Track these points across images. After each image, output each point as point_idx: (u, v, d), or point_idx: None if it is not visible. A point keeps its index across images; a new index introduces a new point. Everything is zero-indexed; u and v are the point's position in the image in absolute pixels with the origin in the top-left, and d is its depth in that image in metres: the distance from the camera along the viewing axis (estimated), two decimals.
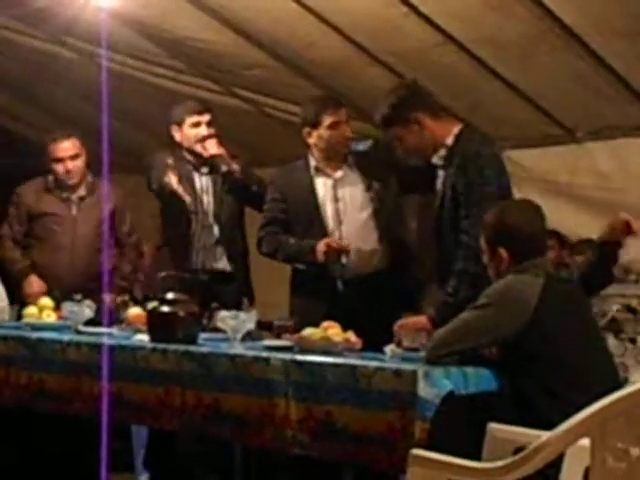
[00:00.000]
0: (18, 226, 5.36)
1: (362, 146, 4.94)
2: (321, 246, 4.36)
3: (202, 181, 4.94)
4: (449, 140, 3.98)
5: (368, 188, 4.56)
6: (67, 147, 5.27)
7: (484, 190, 3.82)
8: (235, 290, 4.77)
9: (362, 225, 4.52)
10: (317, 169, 4.61)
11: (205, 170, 4.92)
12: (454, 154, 3.94)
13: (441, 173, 4.05)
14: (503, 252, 3.36)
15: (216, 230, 4.90)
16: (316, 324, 3.69)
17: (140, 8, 4.96)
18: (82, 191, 5.33)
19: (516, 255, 3.34)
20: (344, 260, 4.39)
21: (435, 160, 4.06)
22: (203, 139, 4.85)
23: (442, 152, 4.01)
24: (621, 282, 4.94)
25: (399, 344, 3.53)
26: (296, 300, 4.61)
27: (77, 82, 6.02)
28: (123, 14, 5.02)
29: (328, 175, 4.60)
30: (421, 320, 3.84)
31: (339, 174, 4.59)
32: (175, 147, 4.97)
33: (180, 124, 4.90)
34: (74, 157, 5.28)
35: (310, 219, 4.54)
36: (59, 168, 5.27)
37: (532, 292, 3.20)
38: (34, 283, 5.22)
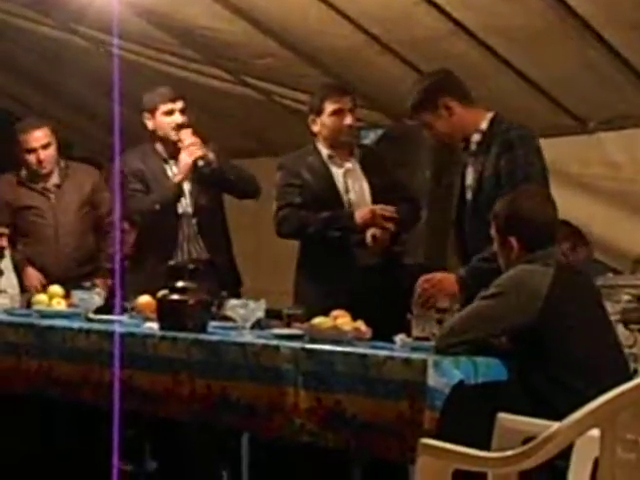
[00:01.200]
0: (1, 219, 5.32)
1: (370, 138, 4.93)
2: (366, 211, 4.42)
3: (174, 171, 4.87)
4: (483, 124, 3.93)
5: (369, 184, 4.58)
6: (39, 137, 5.24)
7: (529, 171, 3.77)
8: (220, 281, 4.71)
9: None
10: (330, 157, 4.61)
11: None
12: (493, 136, 3.89)
13: (471, 160, 4.00)
14: (513, 241, 3.35)
15: (194, 222, 4.87)
16: (328, 310, 3.68)
17: None
18: (55, 179, 5.32)
19: (527, 244, 3.33)
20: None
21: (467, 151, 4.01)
22: (178, 127, 4.79)
23: (476, 137, 3.95)
24: (631, 273, 4.93)
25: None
26: (307, 286, 4.59)
27: (88, 70, 6.02)
28: (134, 2, 5.02)
29: (339, 165, 4.61)
30: (449, 278, 3.81)
31: (349, 165, 4.61)
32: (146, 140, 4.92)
33: (153, 112, 4.84)
34: (46, 146, 5.25)
35: (329, 206, 4.55)
36: (31, 158, 5.24)
37: (542, 282, 3.19)
38: (31, 275, 5.23)
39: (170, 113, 4.81)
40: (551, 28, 4.36)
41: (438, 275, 3.86)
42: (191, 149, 4.72)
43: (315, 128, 4.60)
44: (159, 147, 4.89)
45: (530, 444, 2.43)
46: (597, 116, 5.16)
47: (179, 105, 4.83)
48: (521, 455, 2.43)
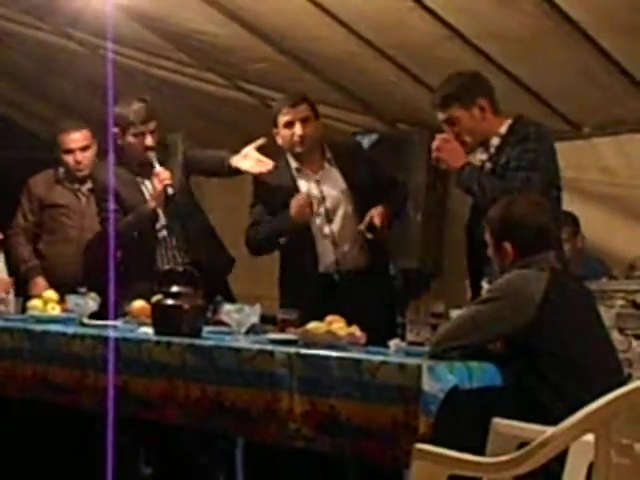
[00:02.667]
0: (31, 216, 5.36)
1: (364, 143, 4.93)
2: (293, 202, 4.41)
3: (148, 186, 4.81)
4: (503, 129, 3.92)
5: (350, 185, 4.56)
6: (77, 138, 5.25)
7: (535, 162, 3.76)
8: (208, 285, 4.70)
9: (349, 223, 4.53)
10: (298, 170, 4.60)
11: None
12: (510, 137, 3.89)
13: (488, 166, 3.98)
14: (508, 246, 3.35)
15: (177, 230, 4.81)
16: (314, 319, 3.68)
17: (146, 1, 4.97)
18: (90, 184, 5.33)
19: (521, 250, 3.33)
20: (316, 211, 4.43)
21: (484, 154, 4.00)
22: (146, 149, 4.71)
23: (495, 141, 3.93)
24: (626, 278, 4.94)
25: (404, 338, 3.53)
26: (287, 299, 4.58)
27: (83, 75, 6.02)
28: (129, 7, 5.02)
29: (308, 176, 4.58)
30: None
31: (319, 174, 4.58)
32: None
33: (123, 131, 4.75)
34: (84, 149, 5.26)
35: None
36: (69, 159, 5.26)
37: (537, 287, 3.19)
38: (40, 285, 5.21)
39: (141, 135, 4.72)
40: (545, 33, 4.37)
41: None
42: (161, 176, 4.67)
43: (279, 142, 4.58)
44: (130, 163, 4.83)
45: (525, 449, 2.43)
46: (591, 121, 5.18)
47: (151, 126, 4.73)
48: (516, 460, 2.43)
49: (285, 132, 4.53)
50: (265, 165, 4.52)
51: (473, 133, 3.95)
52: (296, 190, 4.53)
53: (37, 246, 5.34)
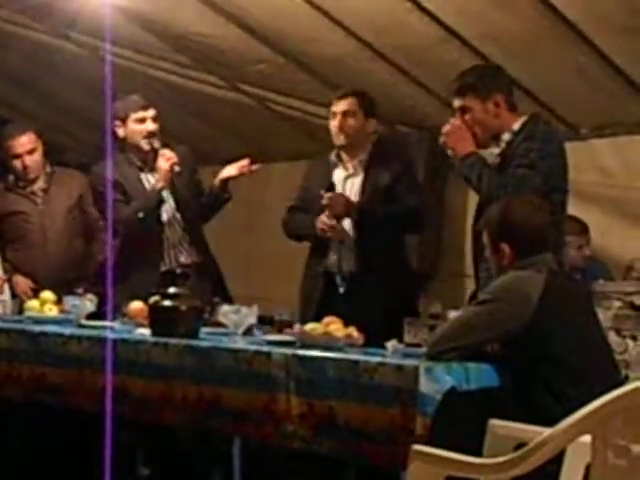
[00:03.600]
0: None
1: None
2: (319, 223, 4.51)
3: (150, 180, 4.84)
4: (516, 125, 3.90)
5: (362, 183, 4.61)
6: (24, 142, 5.24)
7: (535, 162, 3.74)
8: (207, 284, 4.72)
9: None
10: (334, 163, 4.70)
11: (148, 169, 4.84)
12: (521, 135, 3.87)
13: (498, 160, 3.96)
14: (506, 248, 3.35)
15: (178, 227, 4.86)
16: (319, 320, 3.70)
17: (144, 2, 4.96)
18: (42, 183, 5.32)
19: (519, 251, 3.33)
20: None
21: (496, 149, 3.98)
22: (149, 135, 4.76)
23: (507, 136, 3.91)
24: (623, 279, 4.94)
25: (401, 339, 3.52)
26: (303, 295, 4.69)
27: (80, 76, 6.01)
28: (127, 8, 5.02)
29: (341, 169, 4.69)
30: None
31: (351, 171, 4.64)
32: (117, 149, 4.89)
33: (124, 120, 4.79)
34: (31, 151, 5.25)
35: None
36: (17, 164, 5.24)
37: (534, 288, 3.19)
38: (20, 283, 5.21)
39: (142, 121, 4.77)
40: (542, 35, 4.37)
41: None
42: (166, 155, 4.70)
43: None
44: (132, 156, 4.86)
45: (522, 450, 2.43)
46: (589, 123, 5.18)
47: (151, 113, 4.78)
48: (513, 461, 2.43)
49: (330, 122, 4.63)
50: (244, 166, 4.72)
51: (484, 126, 3.93)
52: (329, 180, 4.62)
53: (5, 256, 5.30)
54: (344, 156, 4.67)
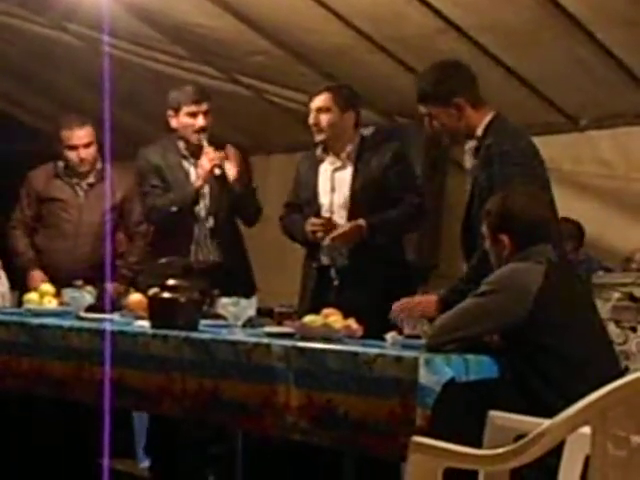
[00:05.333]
0: (29, 210, 5.35)
1: (365, 132, 4.92)
2: (308, 226, 4.51)
3: (193, 171, 4.84)
4: (479, 131, 3.82)
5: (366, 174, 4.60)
6: (82, 135, 5.24)
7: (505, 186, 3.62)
8: (233, 281, 4.71)
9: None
10: (320, 158, 4.68)
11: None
12: (481, 147, 3.79)
13: (472, 163, 3.94)
14: (505, 239, 3.35)
15: (210, 223, 4.86)
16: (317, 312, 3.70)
17: None
18: (91, 178, 5.32)
19: (518, 242, 3.33)
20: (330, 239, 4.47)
21: (467, 146, 3.92)
22: (199, 130, 4.77)
23: (472, 144, 3.86)
24: (623, 271, 4.95)
25: (401, 331, 3.52)
26: (301, 291, 4.71)
27: (78, 68, 6.02)
28: (125, 0, 5.01)
29: (327, 164, 4.65)
30: (430, 300, 3.72)
31: (337, 165, 4.63)
32: (167, 135, 4.91)
33: (177, 110, 4.80)
34: (87, 145, 5.25)
35: (310, 207, 4.64)
36: (72, 155, 5.24)
37: (534, 279, 3.19)
38: (37, 277, 5.20)
39: (194, 115, 4.78)
40: (542, 26, 4.37)
41: (416, 299, 3.80)
42: (210, 155, 4.71)
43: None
44: (180, 144, 4.87)
45: (521, 442, 2.43)
46: (588, 114, 5.18)
47: (203, 107, 4.78)
48: (512, 453, 2.43)
49: (309, 119, 4.63)
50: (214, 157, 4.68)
51: (453, 129, 3.86)
52: (316, 174, 4.64)
53: (34, 240, 5.33)
54: (329, 150, 4.66)
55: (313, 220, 4.51)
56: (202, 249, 4.83)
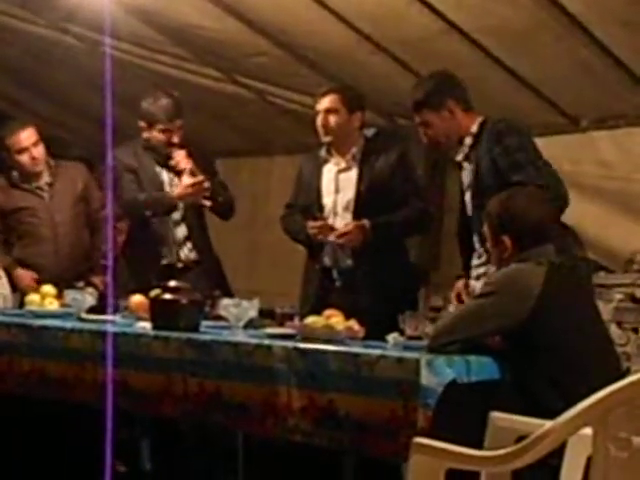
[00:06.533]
0: None
1: (367, 133, 4.92)
2: (310, 227, 4.51)
3: (166, 177, 4.90)
4: (474, 128, 4.02)
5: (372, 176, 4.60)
6: (28, 136, 5.22)
7: (521, 157, 3.83)
8: (207, 281, 4.74)
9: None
10: (325, 159, 4.70)
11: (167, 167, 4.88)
12: (482, 136, 3.97)
13: (467, 165, 4.03)
14: (507, 240, 3.35)
15: (184, 226, 4.89)
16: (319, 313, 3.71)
17: None
18: (47, 177, 5.31)
19: (520, 243, 3.33)
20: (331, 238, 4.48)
21: (460, 154, 4.07)
22: (172, 146, 4.81)
23: (468, 140, 4.03)
24: (624, 272, 4.94)
25: (402, 332, 3.52)
26: (303, 292, 4.72)
27: (80, 69, 6.01)
28: (126, 1, 5.01)
29: (332, 165, 4.67)
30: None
31: (342, 166, 4.63)
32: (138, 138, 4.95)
33: (151, 125, 4.84)
34: (36, 144, 5.24)
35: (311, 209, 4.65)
36: (24, 158, 5.21)
37: (535, 280, 3.19)
38: (23, 276, 5.19)
39: (167, 132, 4.81)
40: (543, 27, 4.36)
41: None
42: (197, 178, 4.73)
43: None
44: (151, 152, 4.89)
45: (523, 443, 2.43)
46: (589, 115, 5.17)
47: (178, 124, 4.82)
48: (514, 454, 2.43)
49: (316, 120, 4.64)
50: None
51: (447, 134, 4.06)
52: (319, 176, 4.64)
53: (13, 254, 5.29)
54: (334, 151, 4.66)
55: (311, 223, 4.52)
56: (182, 249, 4.85)
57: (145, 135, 4.87)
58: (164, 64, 5.86)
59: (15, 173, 5.30)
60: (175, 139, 4.79)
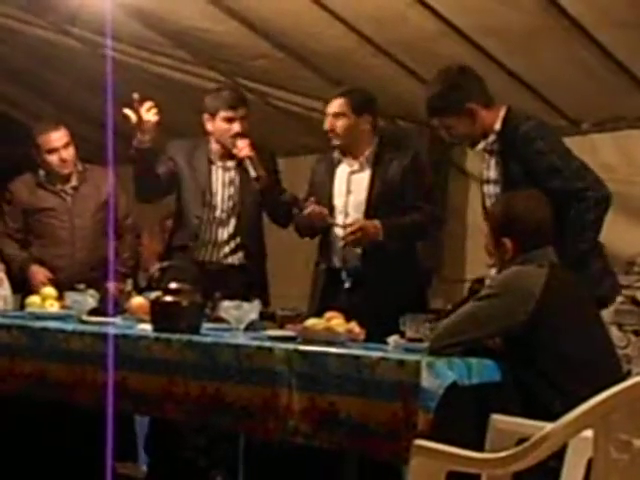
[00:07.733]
0: (13, 223, 5.34)
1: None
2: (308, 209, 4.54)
3: (220, 174, 4.85)
4: (497, 125, 3.90)
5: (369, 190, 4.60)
6: (59, 136, 5.22)
7: (553, 158, 3.78)
8: (245, 285, 4.68)
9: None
10: (338, 160, 4.71)
11: (230, 164, 4.83)
12: (506, 134, 3.87)
13: (492, 160, 3.97)
14: (508, 242, 3.35)
15: (232, 225, 4.84)
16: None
17: None
18: (74, 181, 5.31)
19: (521, 246, 3.33)
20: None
21: (482, 146, 3.98)
22: (235, 136, 4.75)
23: (491, 138, 3.92)
24: (625, 274, 4.94)
25: (403, 335, 3.52)
26: (311, 293, 4.72)
27: (81, 72, 6.01)
28: (127, 4, 5.01)
29: (344, 167, 4.69)
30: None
31: (354, 167, 4.64)
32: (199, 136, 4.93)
33: (213, 115, 4.80)
34: (66, 145, 5.24)
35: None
36: (53, 159, 5.21)
37: (536, 283, 3.19)
38: (38, 273, 5.20)
39: (230, 120, 4.76)
40: (543, 29, 4.36)
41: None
42: (239, 146, 4.70)
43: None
44: (214, 146, 4.85)
45: (524, 445, 2.43)
46: (590, 117, 5.17)
47: (240, 112, 4.77)
48: (515, 456, 2.43)
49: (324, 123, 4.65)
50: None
51: (469, 134, 3.96)
52: (332, 176, 4.67)
53: (29, 251, 5.30)
54: (347, 153, 4.67)
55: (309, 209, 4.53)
56: (217, 251, 4.81)
57: (209, 128, 4.82)
58: (165, 66, 5.87)
59: (42, 173, 5.30)
60: (238, 127, 4.75)
